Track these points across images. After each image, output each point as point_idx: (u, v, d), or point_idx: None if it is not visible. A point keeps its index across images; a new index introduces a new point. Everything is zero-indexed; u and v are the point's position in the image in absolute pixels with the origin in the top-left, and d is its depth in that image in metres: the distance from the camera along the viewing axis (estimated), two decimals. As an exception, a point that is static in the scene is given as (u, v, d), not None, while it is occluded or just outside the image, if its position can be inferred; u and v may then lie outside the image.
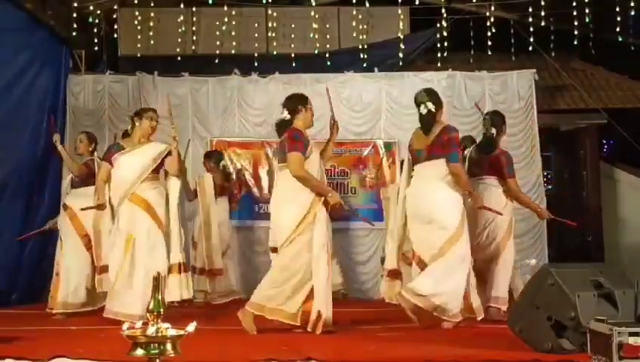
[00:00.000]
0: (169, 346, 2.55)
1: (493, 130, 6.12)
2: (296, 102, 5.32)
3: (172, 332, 2.58)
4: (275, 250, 5.82)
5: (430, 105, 5.39)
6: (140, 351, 2.54)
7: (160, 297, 2.62)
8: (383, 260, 8.17)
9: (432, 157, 5.30)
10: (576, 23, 9.42)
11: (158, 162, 5.64)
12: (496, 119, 6.20)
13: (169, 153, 5.67)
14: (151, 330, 2.56)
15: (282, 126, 5.31)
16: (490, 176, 6.04)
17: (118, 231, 5.51)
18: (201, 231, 7.73)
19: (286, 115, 5.27)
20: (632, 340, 3.10)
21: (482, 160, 6.07)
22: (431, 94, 5.49)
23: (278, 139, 5.33)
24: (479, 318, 5.26)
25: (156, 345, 2.54)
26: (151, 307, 2.59)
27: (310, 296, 4.89)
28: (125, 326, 2.62)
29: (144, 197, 5.52)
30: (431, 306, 5.03)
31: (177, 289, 5.46)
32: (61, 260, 6.34)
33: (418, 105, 5.47)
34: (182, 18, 9.85)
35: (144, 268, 5.37)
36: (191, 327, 2.62)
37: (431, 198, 5.22)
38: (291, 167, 5.01)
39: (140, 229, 5.47)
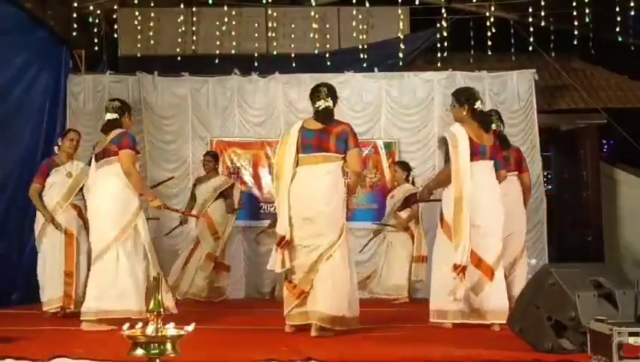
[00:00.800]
0: (169, 346, 2.55)
1: (502, 126, 6.20)
2: (334, 93, 5.12)
3: (172, 332, 2.58)
4: None
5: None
6: (139, 351, 2.54)
7: (160, 297, 2.62)
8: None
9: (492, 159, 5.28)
10: (576, 23, 9.42)
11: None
12: (501, 117, 6.33)
13: None
14: (151, 330, 2.56)
15: (324, 114, 5.00)
16: (513, 172, 6.13)
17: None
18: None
19: (330, 104, 5.00)
20: (632, 340, 3.10)
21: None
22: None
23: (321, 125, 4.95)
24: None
25: (156, 345, 2.54)
26: (151, 307, 2.59)
27: None
28: (125, 326, 2.62)
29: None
30: None
31: None
32: (81, 258, 6.35)
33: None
34: (182, 18, 9.86)
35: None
36: (190, 327, 2.62)
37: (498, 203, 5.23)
38: (356, 163, 4.94)
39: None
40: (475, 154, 5.14)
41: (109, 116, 5.48)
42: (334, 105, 5.04)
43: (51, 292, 6.29)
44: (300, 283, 4.80)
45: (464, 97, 5.35)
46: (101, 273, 5.17)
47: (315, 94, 5.05)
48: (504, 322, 4.84)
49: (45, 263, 6.44)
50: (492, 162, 5.26)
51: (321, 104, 4.98)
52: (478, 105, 5.31)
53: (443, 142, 5.33)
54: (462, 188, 5.03)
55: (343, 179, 5.00)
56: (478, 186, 5.08)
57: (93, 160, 5.48)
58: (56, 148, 6.72)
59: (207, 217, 8.01)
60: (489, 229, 5.11)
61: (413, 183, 8.20)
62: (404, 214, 8.07)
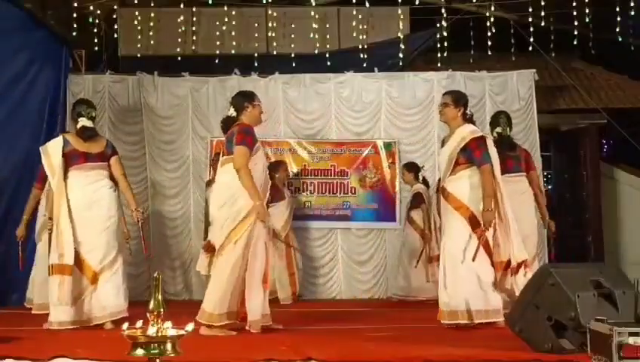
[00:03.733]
0: (169, 346, 2.55)
1: (508, 130, 6.31)
2: (242, 100, 5.33)
3: (172, 332, 2.58)
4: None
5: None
6: (140, 351, 2.54)
7: (160, 297, 2.62)
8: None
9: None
10: (576, 23, 9.42)
11: None
12: (509, 119, 6.42)
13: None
14: (151, 330, 2.56)
15: (228, 123, 5.34)
16: (522, 173, 6.22)
17: None
18: None
19: (232, 112, 5.32)
20: (632, 340, 3.10)
21: (511, 157, 6.10)
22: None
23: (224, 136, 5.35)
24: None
25: (156, 345, 2.54)
26: (151, 307, 2.59)
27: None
28: (125, 325, 2.62)
29: None
30: None
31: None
32: None
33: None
34: (182, 18, 9.86)
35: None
36: (190, 327, 2.62)
37: None
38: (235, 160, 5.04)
39: None
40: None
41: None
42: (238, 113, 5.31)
43: (42, 296, 6.26)
44: None
45: (463, 101, 5.47)
46: None
47: None
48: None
49: (38, 264, 6.45)
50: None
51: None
52: (469, 110, 5.50)
53: (482, 142, 5.28)
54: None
55: None
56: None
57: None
58: None
59: None
60: None
61: (424, 181, 8.24)
62: (415, 215, 8.10)
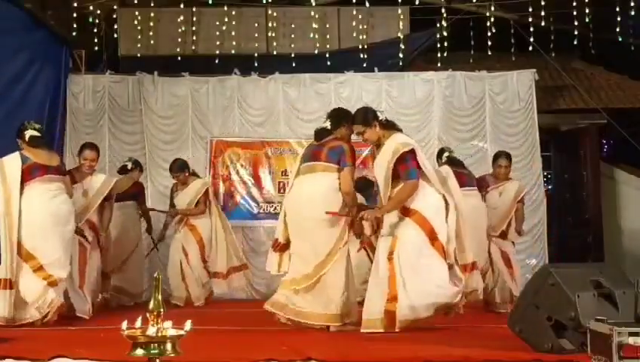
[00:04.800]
0: (169, 346, 2.55)
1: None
2: (342, 119, 5.35)
3: (172, 332, 2.58)
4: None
5: None
6: (140, 351, 2.54)
7: (160, 297, 2.62)
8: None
9: None
10: (576, 23, 9.43)
11: None
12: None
13: None
14: (151, 330, 2.56)
15: (323, 134, 5.34)
16: (474, 188, 6.72)
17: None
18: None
19: (327, 125, 5.33)
20: (632, 340, 3.10)
21: (463, 174, 6.56)
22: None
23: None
24: None
25: (156, 345, 2.54)
26: (151, 307, 2.59)
27: None
28: (125, 325, 2.62)
29: None
30: None
31: None
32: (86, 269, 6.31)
33: None
34: (182, 18, 9.86)
35: None
36: (188, 327, 2.62)
37: None
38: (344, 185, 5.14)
39: None
40: None
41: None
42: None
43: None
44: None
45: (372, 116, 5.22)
46: None
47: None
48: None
49: None
50: None
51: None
52: (381, 117, 5.38)
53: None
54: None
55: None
56: None
57: None
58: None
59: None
60: None
61: None
62: None
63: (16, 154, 5.68)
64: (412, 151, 5.06)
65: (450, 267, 5.03)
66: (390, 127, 5.24)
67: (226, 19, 9.68)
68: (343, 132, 5.27)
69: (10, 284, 5.37)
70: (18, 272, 5.42)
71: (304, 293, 5.09)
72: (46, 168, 5.62)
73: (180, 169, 7.68)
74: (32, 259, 5.45)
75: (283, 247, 5.30)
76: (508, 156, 7.00)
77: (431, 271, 4.94)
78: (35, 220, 5.47)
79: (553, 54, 9.93)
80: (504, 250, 6.81)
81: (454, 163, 6.49)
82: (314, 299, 5.08)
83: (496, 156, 7.09)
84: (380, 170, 5.13)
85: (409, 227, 4.95)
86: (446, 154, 6.82)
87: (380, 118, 5.20)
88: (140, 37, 9.76)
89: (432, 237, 4.95)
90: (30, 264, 5.45)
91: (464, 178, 6.34)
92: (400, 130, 5.28)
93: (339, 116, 5.35)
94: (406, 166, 5.01)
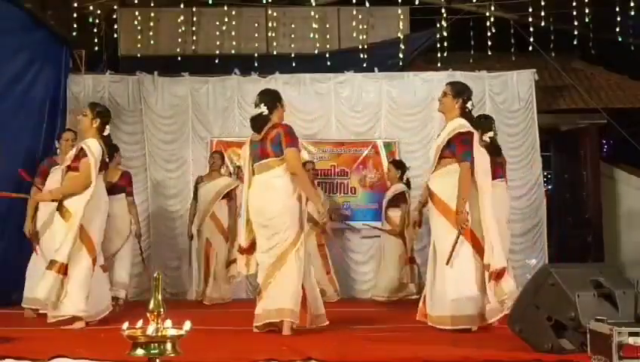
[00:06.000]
0: (169, 346, 2.55)
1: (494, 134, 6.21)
2: (274, 99, 5.16)
3: (172, 332, 2.58)
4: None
5: None
6: (139, 351, 2.54)
7: (160, 297, 2.62)
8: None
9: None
10: (576, 23, 9.43)
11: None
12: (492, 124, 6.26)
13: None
14: (151, 330, 2.56)
15: (259, 121, 5.10)
16: (504, 179, 6.12)
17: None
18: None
19: (264, 110, 5.08)
20: (632, 340, 3.10)
21: (498, 164, 5.96)
22: None
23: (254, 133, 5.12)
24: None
25: (156, 345, 2.54)
26: (151, 307, 2.59)
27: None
28: (125, 325, 2.62)
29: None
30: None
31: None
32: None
33: None
34: (182, 18, 9.86)
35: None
36: (187, 327, 2.62)
37: None
38: (292, 165, 4.94)
39: None
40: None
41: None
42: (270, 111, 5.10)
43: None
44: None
45: (464, 94, 5.29)
46: None
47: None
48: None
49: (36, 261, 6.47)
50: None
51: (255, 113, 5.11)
52: (469, 105, 5.29)
53: (467, 138, 5.09)
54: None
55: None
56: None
57: None
58: (58, 149, 6.75)
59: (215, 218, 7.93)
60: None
61: (407, 183, 8.12)
62: (393, 214, 8.02)
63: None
64: (469, 134, 5.11)
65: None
66: (467, 115, 5.25)
67: (226, 19, 9.68)
68: (280, 113, 5.12)
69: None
70: None
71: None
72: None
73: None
74: None
75: (249, 250, 5.13)
76: None
77: None
78: None
79: (553, 54, 9.93)
80: None
81: (495, 149, 5.96)
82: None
83: None
84: (432, 149, 5.30)
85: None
86: (490, 134, 6.02)
87: (468, 105, 5.25)
88: (140, 37, 9.77)
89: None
90: None
91: (498, 169, 5.91)
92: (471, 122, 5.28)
93: (273, 97, 5.16)
94: (464, 147, 5.06)
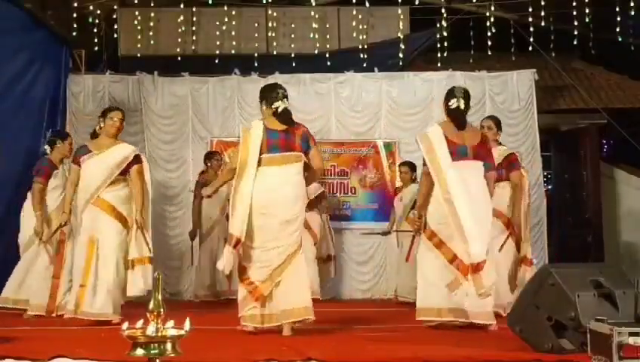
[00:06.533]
0: (169, 346, 2.55)
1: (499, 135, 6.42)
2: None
3: (172, 332, 2.58)
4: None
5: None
6: (139, 351, 2.54)
7: (160, 297, 2.62)
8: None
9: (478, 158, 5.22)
10: (576, 23, 9.44)
11: (123, 167, 5.72)
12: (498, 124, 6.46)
13: (137, 158, 5.78)
14: (151, 330, 2.56)
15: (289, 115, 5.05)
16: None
17: (81, 234, 5.69)
18: None
19: (288, 105, 5.06)
20: (632, 340, 3.10)
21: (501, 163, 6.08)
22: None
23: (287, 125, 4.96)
24: None
25: (156, 345, 2.54)
26: (151, 307, 2.59)
27: None
28: (125, 325, 2.62)
29: (108, 201, 5.64)
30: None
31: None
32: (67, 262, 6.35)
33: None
34: (182, 18, 9.87)
35: (107, 268, 5.57)
36: (187, 326, 2.62)
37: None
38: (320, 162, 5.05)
39: (104, 231, 5.62)
40: (452, 153, 5.10)
41: None
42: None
43: (39, 296, 6.29)
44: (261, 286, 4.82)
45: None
46: None
47: (272, 95, 5.05)
48: (485, 322, 4.96)
49: (33, 264, 6.47)
50: (476, 162, 5.16)
51: (280, 105, 5.00)
52: (452, 103, 5.26)
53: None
54: (448, 188, 5.03)
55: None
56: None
57: None
58: (47, 148, 6.70)
59: None
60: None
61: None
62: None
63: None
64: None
65: None
66: (451, 113, 5.34)
67: (226, 19, 9.69)
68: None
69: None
70: None
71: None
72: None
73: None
74: None
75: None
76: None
77: None
78: None
79: (553, 54, 9.94)
80: None
81: None
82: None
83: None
84: None
85: None
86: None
87: (450, 104, 5.29)
88: (140, 37, 9.78)
89: None
90: None
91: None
92: (456, 120, 5.36)
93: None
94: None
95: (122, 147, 5.80)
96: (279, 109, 4.98)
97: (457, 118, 5.24)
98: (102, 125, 5.83)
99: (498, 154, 5.89)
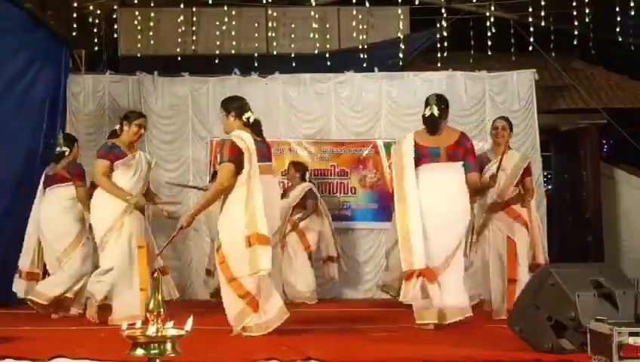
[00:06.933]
0: (169, 346, 2.55)
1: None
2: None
3: (172, 332, 2.58)
4: None
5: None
6: (139, 351, 2.54)
7: (160, 297, 2.62)
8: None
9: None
10: (576, 23, 9.43)
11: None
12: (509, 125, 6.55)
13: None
14: (151, 330, 2.56)
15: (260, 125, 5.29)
16: None
17: (121, 236, 5.71)
18: None
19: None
20: (632, 340, 3.10)
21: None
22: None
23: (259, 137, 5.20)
24: None
25: (156, 345, 2.54)
26: (151, 307, 2.59)
27: None
28: (125, 325, 2.62)
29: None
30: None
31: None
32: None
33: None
34: (182, 18, 9.86)
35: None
36: (188, 326, 2.62)
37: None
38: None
39: (147, 238, 6.04)
40: (423, 156, 5.23)
41: None
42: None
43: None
44: None
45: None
46: None
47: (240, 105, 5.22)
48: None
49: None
50: (450, 163, 5.26)
51: (251, 115, 5.17)
52: (426, 111, 5.35)
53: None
54: (404, 194, 5.16)
55: None
56: (425, 190, 5.16)
57: None
58: (66, 149, 6.62)
59: None
60: (432, 232, 5.10)
61: None
62: None
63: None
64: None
65: None
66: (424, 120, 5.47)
67: (226, 19, 9.68)
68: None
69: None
70: None
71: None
72: None
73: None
74: None
75: None
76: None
77: None
78: None
79: (553, 54, 9.93)
80: None
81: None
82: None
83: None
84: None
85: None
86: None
87: (425, 112, 5.44)
88: (140, 37, 9.77)
89: None
90: None
91: None
92: (428, 125, 5.48)
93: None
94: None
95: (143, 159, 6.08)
96: (250, 119, 5.15)
97: (429, 125, 5.38)
98: (125, 128, 5.88)
99: (518, 160, 6.28)
